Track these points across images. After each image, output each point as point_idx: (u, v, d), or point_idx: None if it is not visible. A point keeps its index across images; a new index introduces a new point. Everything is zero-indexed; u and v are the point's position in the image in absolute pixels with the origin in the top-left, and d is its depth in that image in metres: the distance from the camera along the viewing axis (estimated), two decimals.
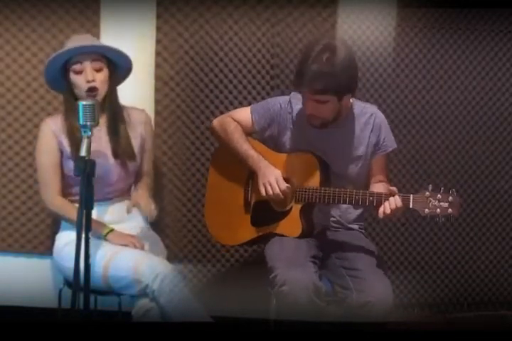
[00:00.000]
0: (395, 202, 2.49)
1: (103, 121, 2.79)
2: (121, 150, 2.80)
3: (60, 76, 2.75)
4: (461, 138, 3.51)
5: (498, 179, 3.57)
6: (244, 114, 2.84)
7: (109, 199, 2.84)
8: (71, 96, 2.74)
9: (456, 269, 3.57)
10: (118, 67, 2.80)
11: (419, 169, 3.47)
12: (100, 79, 2.72)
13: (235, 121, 2.82)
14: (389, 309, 2.51)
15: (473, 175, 3.54)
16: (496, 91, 3.52)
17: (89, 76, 2.70)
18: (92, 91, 2.70)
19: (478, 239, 3.59)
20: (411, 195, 2.50)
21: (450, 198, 2.46)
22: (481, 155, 3.54)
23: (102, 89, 2.74)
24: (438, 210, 2.46)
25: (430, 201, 2.46)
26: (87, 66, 2.70)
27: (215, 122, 2.90)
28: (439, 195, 2.46)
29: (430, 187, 2.49)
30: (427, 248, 3.53)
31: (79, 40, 2.76)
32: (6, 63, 3.12)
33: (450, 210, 2.46)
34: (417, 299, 3.52)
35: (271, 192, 2.68)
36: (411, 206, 2.49)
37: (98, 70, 2.72)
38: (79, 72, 2.71)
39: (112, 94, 2.79)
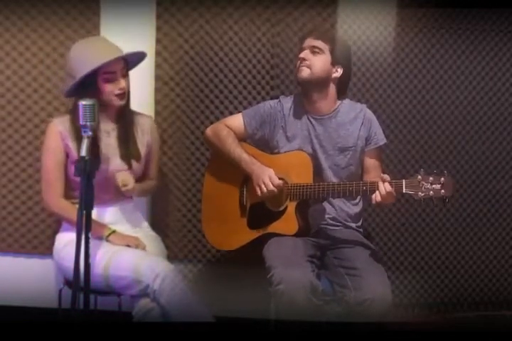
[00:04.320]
0: (384, 187, 2.52)
1: (114, 126, 2.80)
2: (130, 153, 2.81)
3: (86, 84, 2.69)
4: (461, 138, 3.51)
5: (499, 179, 3.57)
6: (235, 119, 2.93)
7: (110, 202, 2.85)
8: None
9: (456, 269, 3.57)
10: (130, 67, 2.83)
11: (419, 169, 3.46)
12: (127, 85, 2.75)
13: (228, 127, 2.90)
14: (387, 306, 2.51)
15: (472, 175, 3.54)
16: (495, 91, 3.52)
17: (122, 84, 2.71)
18: (122, 96, 2.73)
19: (479, 239, 3.58)
20: (403, 180, 2.53)
21: (442, 179, 2.48)
22: (481, 155, 3.53)
23: (127, 94, 2.78)
24: (431, 192, 2.48)
25: (423, 184, 2.49)
26: (119, 75, 2.71)
27: (208, 130, 2.97)
28: (431, 178, 2.48)
29: (422, 171, 2.51)
30: (427, 248, 3.52)
31: (109, 50, 2.70)
32: (6, 63, 3.12)
33: (443, 191, 2.47)
34: (417, 299, 3.51)
35: (265, 190, 2.72)
36: (404, 191, 2.52)
37: (125, 76, 2.74)
38: (111, 81, 2.70)
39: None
